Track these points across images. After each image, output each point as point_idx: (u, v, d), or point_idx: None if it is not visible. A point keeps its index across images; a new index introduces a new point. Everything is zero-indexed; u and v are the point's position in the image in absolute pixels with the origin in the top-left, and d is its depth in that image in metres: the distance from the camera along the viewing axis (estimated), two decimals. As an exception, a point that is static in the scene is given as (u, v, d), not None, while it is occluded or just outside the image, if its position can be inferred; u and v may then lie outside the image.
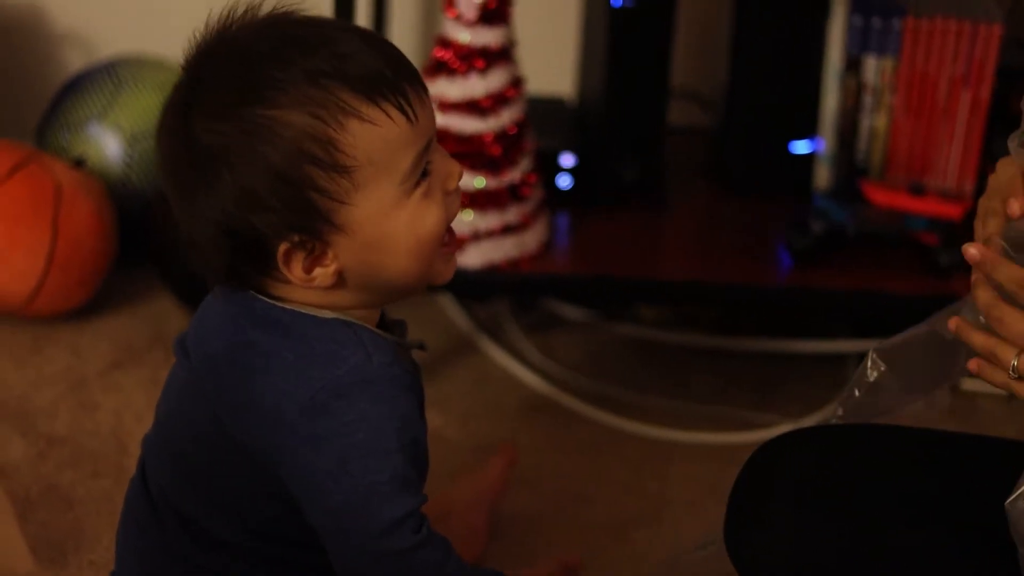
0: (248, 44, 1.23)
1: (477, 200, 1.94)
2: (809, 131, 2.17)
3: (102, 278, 2.16)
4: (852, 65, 2.12)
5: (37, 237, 2.07)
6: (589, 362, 2.17)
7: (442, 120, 1.93)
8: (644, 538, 1.81)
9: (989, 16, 2.06)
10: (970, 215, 1.37)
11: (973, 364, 1.21)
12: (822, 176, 2.18)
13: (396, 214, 1.24)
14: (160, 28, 2.09)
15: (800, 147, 2.18)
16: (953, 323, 1.24)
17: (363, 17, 2.20)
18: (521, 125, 1.97)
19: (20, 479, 1.82)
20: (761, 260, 2.04)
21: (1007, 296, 1.18)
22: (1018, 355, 1.17)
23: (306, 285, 1.25)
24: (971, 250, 1.19)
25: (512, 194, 1.97)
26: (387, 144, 1.22)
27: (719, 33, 2.23)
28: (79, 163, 2.19)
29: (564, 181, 2.14)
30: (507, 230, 1.97)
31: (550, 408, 2.06)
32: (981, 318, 1.21)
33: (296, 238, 1.23)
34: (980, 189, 1.69)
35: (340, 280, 1.26)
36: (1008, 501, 1.14)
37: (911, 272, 2.00)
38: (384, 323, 1.34)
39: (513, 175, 1.97)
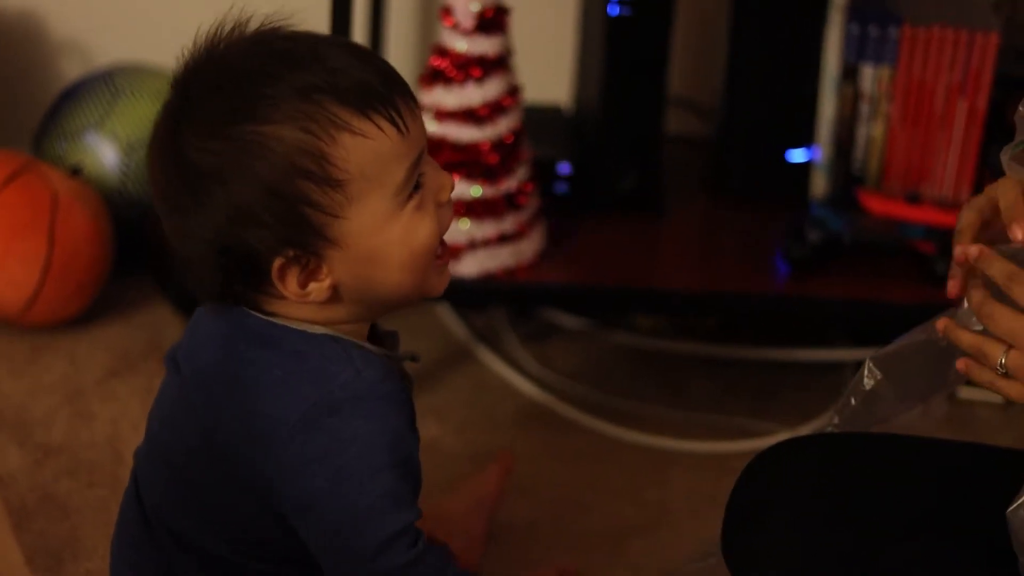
0: (237, 61, 1.23)
1: (474, 209, 1.94)
2: (806, 140, 2.18)
3: (99, 287, 2.16)
4: (849, 74, 2.12)
5: (33, 246, 2.07)
6: (586, 371, 2.17)
7: (439, 129, 1.93)
8: (641, 546, 1.81)
9: (986, 25, 2.07)
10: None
11: (961, 363, 1.23)
12: (819, 185, 2.19)
13: (389, 227, 1.24)
14: (157, 37, 2.09)
15: (797, 156, 2.18)
16: (941, 324, 1.25)
17: (360, 26, 2.20)
18: (518, 134, 1.97)
19: (16, 488, 1.82)
20: (758, 269, 2.04)
21: (997, 294, 1.19)
22: (1006, 351, 1.18)
23: (301, 300, 1.25)
24: (971, 249, 1.21)
25: (509, 203, 1.97)
26: (379, 157, 1.22)
27: (716, 42, 2.23)
28: (76, 172, 2.19)
29: (561, 189, 2.14)
30: (504, 239, 1.97)
31: (547, 417, 2.06)
32: (974, 321, 1.22)
33: (290, 253, 1.23)
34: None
35: (335, 294, 1.26)
36: (1010, 510, 1.14)
37: (908, 281, 2.00)
38: (376, 335, 1.34)
39: (510, 184, 1.97)
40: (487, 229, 1.96)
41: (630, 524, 1.84)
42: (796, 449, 1.34)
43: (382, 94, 1.23)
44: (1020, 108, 1.25)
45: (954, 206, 2.09)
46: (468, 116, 1.93)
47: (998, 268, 1.20)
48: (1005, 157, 1.25)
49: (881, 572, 1.20)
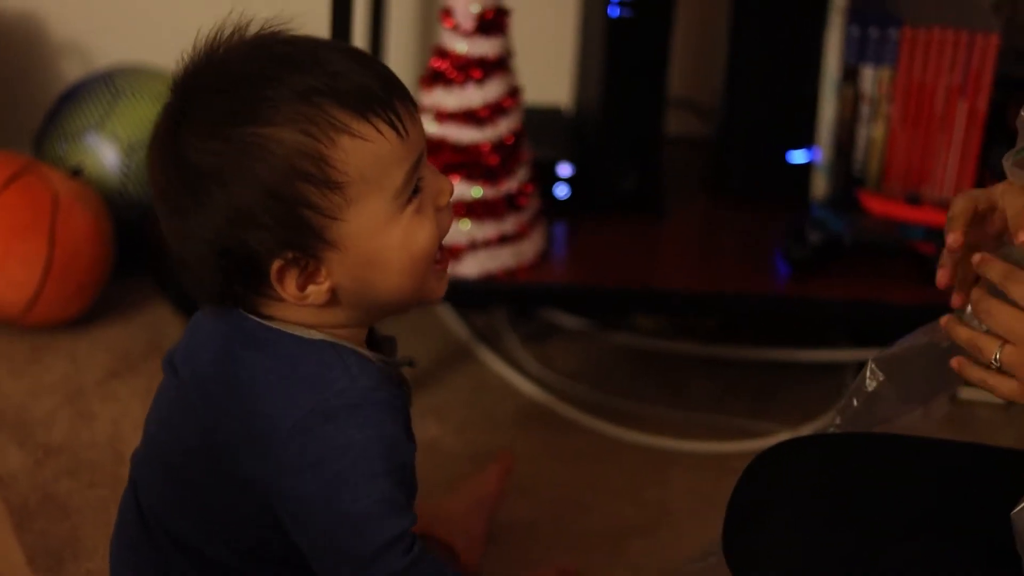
0: (237, 64, 1.23)
1: (474, 210, 1.94)
2: (806, 141, 2.18)
3: (99, 287, 2.16)
4: (849, 75, 2.13)
5: (34, 247, 2.07)
6: (587, 371, 2.17)
7: (439, 130, 1.93)
8: (641, 546, 1.81)
9: (986, 26, 2.07)
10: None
11: (955, 362, 1.23)
12: (819, 186, 2.19)
13: (389, 230, 1.24)
14: (157, 38, 2.09)
15: (797, 157, 2.19)
16: (944, 320, 1.26)
17: (361, 27, 2.20)
18: (518, 135, 1.97)
19: (17, 488, 1.82)
20: (758, 269, 2.04)
21: (994, 290, 1.20)
22: (1001, 347, 1.18)
23: (299, 303, 1.25)
24: (973, 257, 1.22)
25: (509, 204, 1.97)
26: (378, 160, 1.23)
27: (716, 43, 2.24)
28: (76, 173, 2.19)
29: (561, 190, 2.14)
30: (504, 240, 1.97)
31: (547, 417, 2.06)
32: (974, 322, 1.23)
33: (289, 255, 1.23)
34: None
35: (333, 298, 1.26)
36: (1015, 512, 1.14)
37: (908, 281, 2.00)
38: (374, 340, 1.34)
39: (510, 185, 1.97)
40: (488, 230, 1.96)
41: (630, 524, 1.84)
42: (797, 449, 1.34)
43: (381, 98, 1.23)
44: (1022, 113, 1.25)
45: (954, 207, 2.09)
46: (468, 117, 1.93)
47: (996, 269, 1.21)
48: (1007, 163, 1.25)
49: (882, 572, 1.20)
